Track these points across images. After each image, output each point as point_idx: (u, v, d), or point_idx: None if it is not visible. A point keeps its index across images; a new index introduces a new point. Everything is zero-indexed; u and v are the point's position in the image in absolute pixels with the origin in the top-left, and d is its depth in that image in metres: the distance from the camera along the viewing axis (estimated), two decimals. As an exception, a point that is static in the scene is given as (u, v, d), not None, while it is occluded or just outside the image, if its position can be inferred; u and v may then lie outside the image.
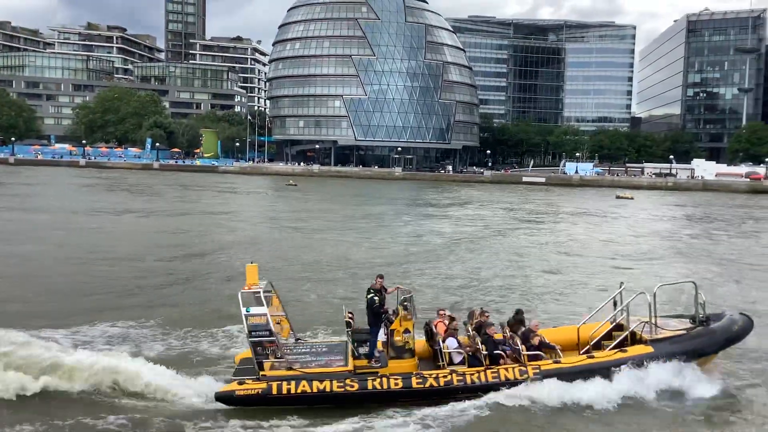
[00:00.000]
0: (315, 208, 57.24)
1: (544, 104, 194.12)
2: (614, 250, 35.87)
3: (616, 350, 14.01)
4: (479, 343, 13.77)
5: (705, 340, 14.41)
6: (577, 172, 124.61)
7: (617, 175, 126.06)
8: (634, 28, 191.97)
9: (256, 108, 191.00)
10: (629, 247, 38.05)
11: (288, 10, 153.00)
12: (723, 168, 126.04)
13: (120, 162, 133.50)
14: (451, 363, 13.64)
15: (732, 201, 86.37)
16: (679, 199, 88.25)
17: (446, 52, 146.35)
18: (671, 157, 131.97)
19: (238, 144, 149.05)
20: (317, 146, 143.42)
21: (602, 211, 64.12)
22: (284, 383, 12.93)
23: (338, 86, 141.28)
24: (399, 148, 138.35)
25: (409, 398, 13.11)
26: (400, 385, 13.09)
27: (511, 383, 13.25)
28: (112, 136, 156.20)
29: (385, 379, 13.11)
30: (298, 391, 12.88)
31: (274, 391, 12.87)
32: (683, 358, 13.79)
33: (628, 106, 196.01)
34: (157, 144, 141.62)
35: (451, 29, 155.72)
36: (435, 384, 13.16)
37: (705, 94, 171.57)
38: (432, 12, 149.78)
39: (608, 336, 14.80)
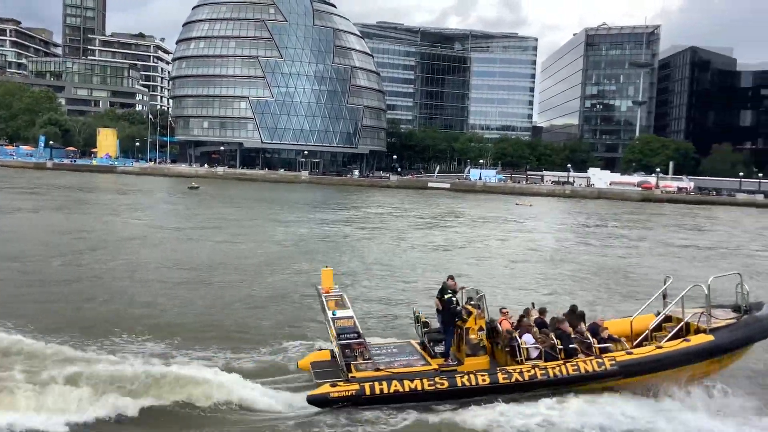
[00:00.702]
0: (208, 213, 55.61)
1: (451, 111, 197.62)
2: (497, 252, 36.46)
3: (680, 340, 14.27)
4: (554, 338, 14.08)
5: (756, 327, 14.76)
6: (480, 178, 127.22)
7: (518, 182, 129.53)
8: (536, 40, 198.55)
9: (158, 107, 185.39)
10: (508, 250, 38.73)
11: (193, 8, 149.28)
12: (617, 177, 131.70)
13: (9, 160, 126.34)
14: (528, 358, 13.84)
15: (617, 210, 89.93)
16: (575, 207, 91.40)
17: (354, 57, 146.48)
18: (569, 165, 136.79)
19: (138, 144, 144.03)
20: (222, 148, 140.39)
21: (501, 217, 65.46)
22: (376, 384, 13.04)
23: (244, 87, 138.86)
24: (306, 152, 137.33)
25: (495, 393, 13.28)
26: (488, 381, 13.35)
27: (591, 375, 13.61)
28: (2, 133, 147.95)
29: (472, 376, 13.40)
30: (391, 390, 13.01)
31: (368, 392, 12.95)
32: (740, 345, 14.48)
33: (530, 116, 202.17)
34: (51, 142, 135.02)
35: (360, 34, 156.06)
36: (520, 378, 13.42)
37: (602, 106, 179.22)
38: (340, 16, 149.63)
39: (658, 327, 15.31)
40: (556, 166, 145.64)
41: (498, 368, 13.68)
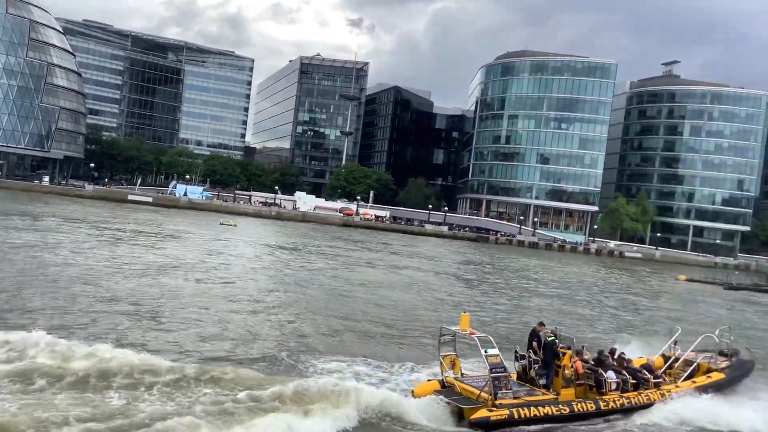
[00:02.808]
0: None
1: (161, 123, 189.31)
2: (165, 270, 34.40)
3: (705, 377, 19.49)
4: (626, 374, 18.19)
5: (745, 368, 20.63)
6: (186, 194, 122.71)
7: (226, 200, 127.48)
8: (253, 60, 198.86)
9: None
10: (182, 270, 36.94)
11: None
12: (321, 202, 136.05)
13: None
14: (611, 390, 17.69)
15: (314, 232, 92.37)
16: (279, 229, 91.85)
17: (52, 53, 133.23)
18: (276, 187, 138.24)
19: None
20: None
21: (200, 235, 62.95)
22: (520, 409, 15.89)
23: None
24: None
25: (598, 417, 16.94)
26: (594, 408, 17.01)
27: (659, 403, 17.86)
28: None
29: (584, 404, 16.94)
30: (531, 415, 15.94)
31: (516, 416, 15.74)
32: (737, 381, 20.00)
33: (244, 136, 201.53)
34: None
35: (61, 30, 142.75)
36: (614, 406, 17.29)
37: (313, 133, 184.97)
38: (39, 8, 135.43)
39: (669, 366, 20.07)
40: (266, 187, 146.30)
41: (598, 399, 17.35)
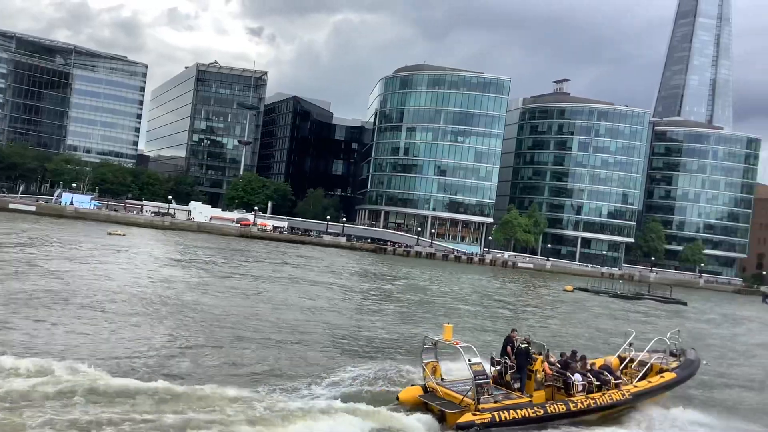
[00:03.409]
0: None
1: (47, 128, 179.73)
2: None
3: (659, 376, 21.17)
4: (591, 376, 19.61)
5: (693, 368, 22.54)
6: (72, 203, 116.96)
7: (116, 210, 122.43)
8: (146, 66, 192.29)
9: None
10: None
11: None
12: (218, 212, 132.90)
13: None
14: (577, 392, 19.03)
15: (206, 243, 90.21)
16: (171, 238, 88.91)
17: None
18: (170, 197, 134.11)
19: None
20: None
21: (77, 244, 59.90)
22: (501, 413, 17.01)
23: None
24: None
25: (568, 418, 18.14)
26: (564, 409, 18.17)
27: (619, 403, 19.36)
28: None
29: (556, 406, 18.14)
30: (510, 417, 17.05)
31: (497, 419, 16.85)
32: (686, 379, 21.98)
33: (136, 143, 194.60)
34: None
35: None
36: (582, 407, 18.54)
37: (209, 142, 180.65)
38: None
39: (624, 366, 22.06)
40: (159, 196, 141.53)
41: (569, 400, 18.67)
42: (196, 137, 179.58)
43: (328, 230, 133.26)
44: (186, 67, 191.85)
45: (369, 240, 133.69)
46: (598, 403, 18.91)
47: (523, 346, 18.95)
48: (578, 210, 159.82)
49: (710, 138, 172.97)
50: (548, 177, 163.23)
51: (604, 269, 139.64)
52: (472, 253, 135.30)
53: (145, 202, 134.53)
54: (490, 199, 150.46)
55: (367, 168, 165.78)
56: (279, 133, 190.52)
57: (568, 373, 19.28)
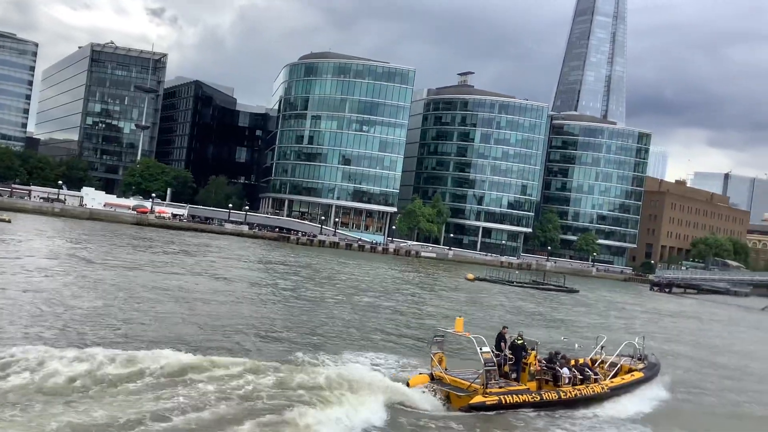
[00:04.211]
0: None
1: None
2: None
3: (630, 375, 24.37)
4: (575, 371, 22.51)
5: (655, 370, 26.16)
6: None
7: (1, 195, 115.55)
8: (36, 45, 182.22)
9: None
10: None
11: None
12: (112, 199, 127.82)
13: None
14: (565, 384, 21.88)
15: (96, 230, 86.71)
16: (58, 225, 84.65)
17: None
18: (60, 182, 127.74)
19: None
20: None
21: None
22: (506, 396, 20.02)
23: None
24: None
25: (560, 406, 21.00)
26: (557, 397, 21.18)
27: (600, 395, 22.19)
28: None
29: (549, 393, 21.17)
30: (514, 401, 20.12)
31: (503, 402, 19.85)
32: (650, 379, 25.24)
33: (26, 125, 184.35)
34: None
35: None
36: (570, 396, 21.45)
37: (104, 125, 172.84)
38: None
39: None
40: (50, 181, 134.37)
41: (558, 390, 21.46)
42: (90, 120, 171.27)
43: (230, 218, 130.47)
44: (80, 47, 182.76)
45: (272, 229, 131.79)
46: (584, 393, 21.82)
47: (519, 342, 21.92)
48: (480, 200, 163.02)
49: (604, 132, 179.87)
50: (451, 167, 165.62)
51: (504, 258, 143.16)
52: (375, 243, 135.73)
53: (33, 187, 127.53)
54: (394, 188, 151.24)
55: (271, 156, 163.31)
56: (180, 118, 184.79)
57: (557, 367, 22.14)
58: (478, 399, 19.34)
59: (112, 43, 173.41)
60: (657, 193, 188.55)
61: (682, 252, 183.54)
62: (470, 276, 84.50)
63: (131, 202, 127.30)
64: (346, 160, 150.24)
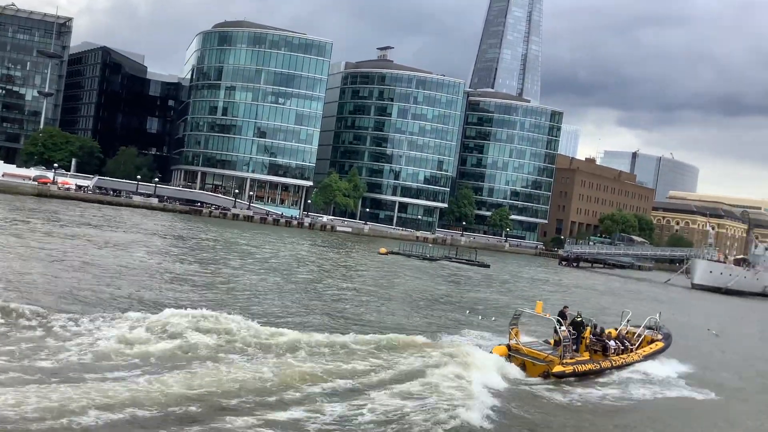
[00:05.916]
0: None
1: None
2: None
3: (654, 344, 29.47)
4: (618, 343, 27.71)
5: (671, 339, 30.95)
6: None
7: None
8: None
9: None
10: None
11: None
12: (12, 169, 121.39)
13: None
14: (612, 353, 26.99)
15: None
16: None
17: None
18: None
19: None
20: None
21: None
22: (578, 366, 24.42)
23: None
24: None
25: (615, 370, 26.11)
26: (610, 365, 26.04)
27: (637, 362, 27.46)
28: None
29: (605, 362, 25.97)
30: (582, 369, 24.54)
31: (577, 370, 24.23)
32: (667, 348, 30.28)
33: None
34: None
35: None
36: (620, 363, 26.59)
37: (4, 91, 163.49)
38: None
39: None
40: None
41: (611, 358, 26.28)
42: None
43: (139, 190, 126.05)
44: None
45: (183, 201, 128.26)
46: (627, 361, 26.87)
47: (578, 319, 26.55)
48: (396, 175, 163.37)
49: (518, 110, 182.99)
50: (368, 142, 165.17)
51: (419, 233, 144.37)
52: (291, 217, 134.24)
53: None
54: (310, 162, 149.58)
55: (184, 127, 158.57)
56: (86, 85, 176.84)
57: (605, 339, 27.11)
58: (558, 368, 23.53)
59: (14, 5, 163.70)
60: (568, 171, 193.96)
61: (591, 227, 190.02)
62: (383, 250, 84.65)
63: (32, 172, 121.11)
64: (261, 133, 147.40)
